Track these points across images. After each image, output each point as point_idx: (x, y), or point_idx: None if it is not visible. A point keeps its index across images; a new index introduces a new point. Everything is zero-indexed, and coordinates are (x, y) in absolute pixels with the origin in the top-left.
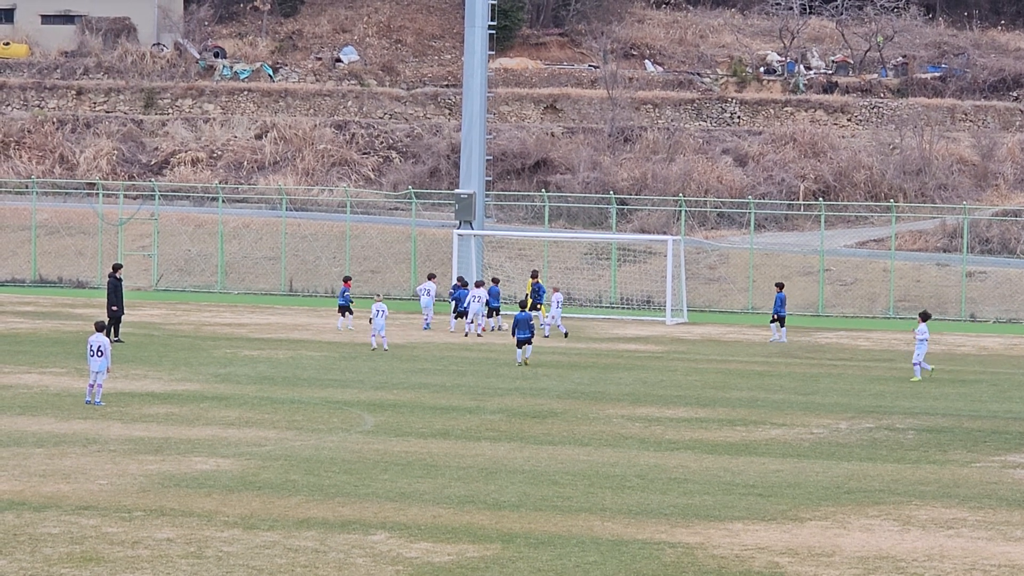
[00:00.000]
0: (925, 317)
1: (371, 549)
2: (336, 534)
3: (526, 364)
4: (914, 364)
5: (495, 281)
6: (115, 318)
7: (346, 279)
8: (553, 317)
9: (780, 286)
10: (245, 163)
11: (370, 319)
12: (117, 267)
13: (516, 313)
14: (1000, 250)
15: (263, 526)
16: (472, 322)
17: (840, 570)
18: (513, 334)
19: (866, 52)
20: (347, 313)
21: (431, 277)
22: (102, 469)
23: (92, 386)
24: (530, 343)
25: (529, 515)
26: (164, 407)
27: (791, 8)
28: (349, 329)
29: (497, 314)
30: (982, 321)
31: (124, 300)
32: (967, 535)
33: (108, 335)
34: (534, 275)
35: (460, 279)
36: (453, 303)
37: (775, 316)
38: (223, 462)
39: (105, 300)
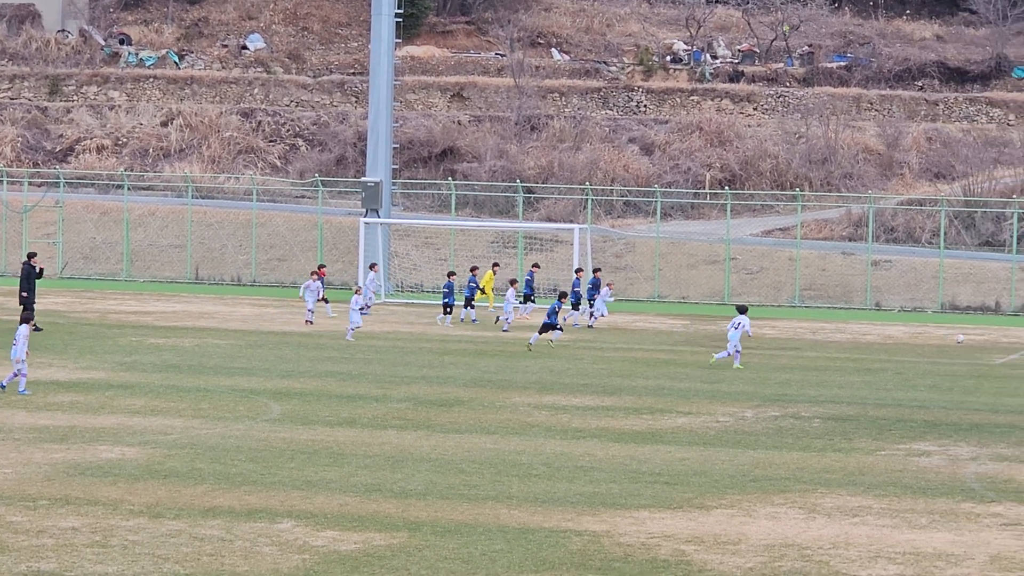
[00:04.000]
0: (742, 310)
1: (277, 538)
2: (242, 523)
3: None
4: (735, 352)
5: (450, 275)
6: (26, 304)
7: (316, 269)
8: (513, 309)
9: (595, 271)
10: (151, 150)
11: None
12: (32, 255)
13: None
14: (905, 239)
15: (169, 515)
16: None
17: (746, 558)
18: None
19: (772, 41)
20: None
21: (373, 266)
22: (6, 458)
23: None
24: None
25: (436, 503)
26: (69, 395)
27: None
28: (331, 317)
29: (469, 306)
30: (887, 310)
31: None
32: (872, 523)
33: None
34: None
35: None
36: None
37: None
38: (128, 451)
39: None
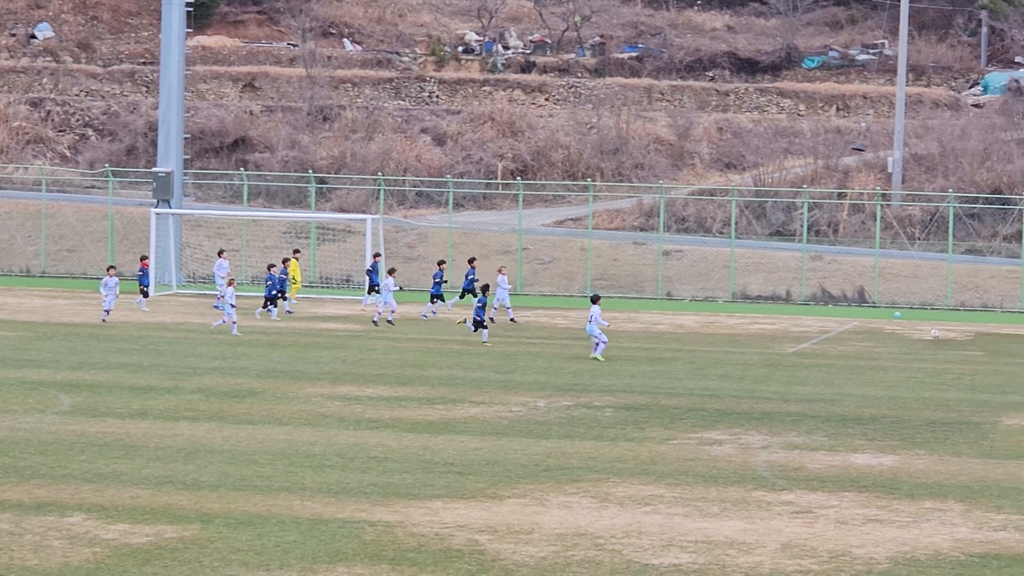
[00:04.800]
0: (594, 300)
1: (68, 531)
2: (32, 516)
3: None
4: (600, 343)
5: (270, 267)
6: None
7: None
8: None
9: (471, 260)
10: None
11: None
12: None
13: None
14: (696, 229)
15: None
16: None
17: (539, 547)
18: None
19: (564, 32)
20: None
21: (221, 253)
22: None
23: None
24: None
25: (228, 495)
26: None
27: None
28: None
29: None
30: (678, 299)
31: None
32: (664, 511)
33: None
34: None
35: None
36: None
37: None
38: None
39: None
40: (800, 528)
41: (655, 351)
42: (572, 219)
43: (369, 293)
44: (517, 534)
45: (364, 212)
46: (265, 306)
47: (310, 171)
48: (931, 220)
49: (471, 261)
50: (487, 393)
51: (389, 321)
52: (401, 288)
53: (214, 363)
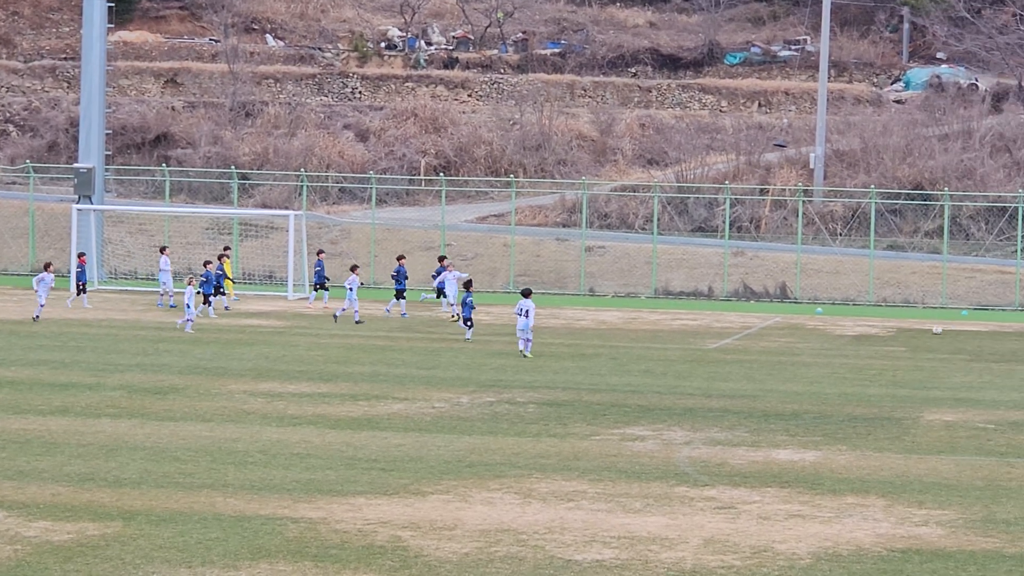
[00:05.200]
0: (526, 294)
1: None
2: None
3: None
4: (526, 341)
5: (206, 264)
6: None
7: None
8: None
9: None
10: None
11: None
12: None
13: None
14: (619, 225)
15: None
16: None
17: (462, 543)
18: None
19: (486, 28)
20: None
21: (163, 249)
22: None
23: None
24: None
25: (150, 492)
26: None
27: None
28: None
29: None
30: (601, 295)
31: None
32: (587, 507)
33: None
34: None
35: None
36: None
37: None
38: None
39: None
40: (722, 524)
41: (578, 347)
42: (495, 215)
43: (315, 290)
44: (440, 530)
45: (287, 208)
46: (206, 302)
47: (232, 167)
48: (853, 216)
49: (319, 253)
50: (410, 389)
51: (358, 321)
52: (362, 284)
53: (136, 360)
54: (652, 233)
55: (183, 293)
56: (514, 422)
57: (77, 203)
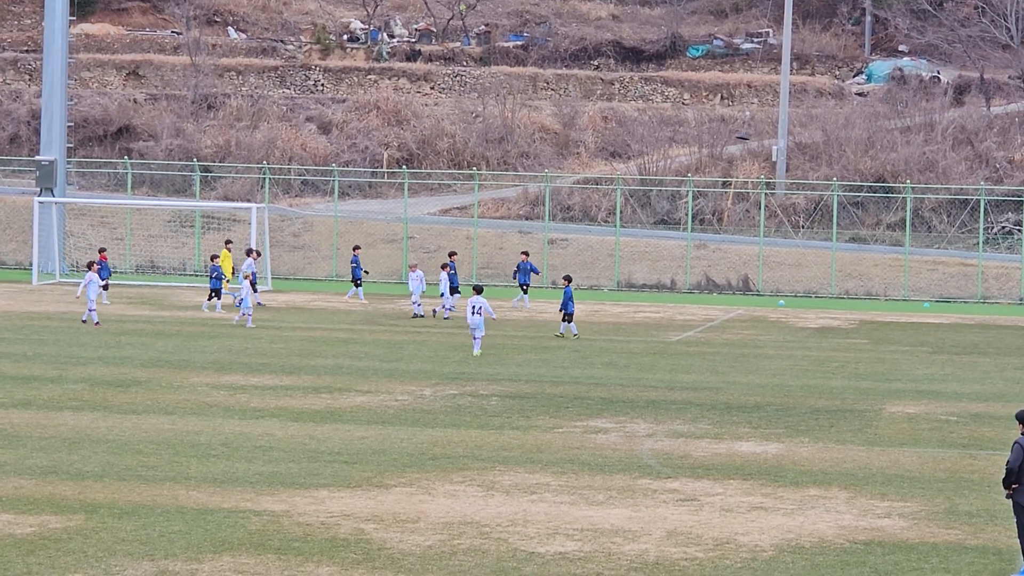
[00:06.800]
0: (478, 290)
1: None
2: None
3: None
4: (478, 339)
5: (213, 258)
6: None
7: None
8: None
9: (356, 247)
10: None
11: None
12: None
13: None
14: (581, 217)
15: None
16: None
17: (425, 536)
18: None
19: (449, 20)
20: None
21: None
22: None
23: None
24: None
25: (113, 485)
26: None
27: None
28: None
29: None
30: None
31: None
32: (550, 499)
33: None
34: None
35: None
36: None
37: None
38: None
39: None
40: (685, 516)
41: (540, 339)
42: (458, 208)
43: (356, 286)
44: (403, 523)
45: (249, 201)
46: (210, 298)
47: (195, 160)
48: (815, 208)
49: (355, 248)
50: (373, 382)
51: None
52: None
53: (98, 352)
54: (615, 226)
55: (240, 288)
56: (477, 415)
57: (39, 195)
